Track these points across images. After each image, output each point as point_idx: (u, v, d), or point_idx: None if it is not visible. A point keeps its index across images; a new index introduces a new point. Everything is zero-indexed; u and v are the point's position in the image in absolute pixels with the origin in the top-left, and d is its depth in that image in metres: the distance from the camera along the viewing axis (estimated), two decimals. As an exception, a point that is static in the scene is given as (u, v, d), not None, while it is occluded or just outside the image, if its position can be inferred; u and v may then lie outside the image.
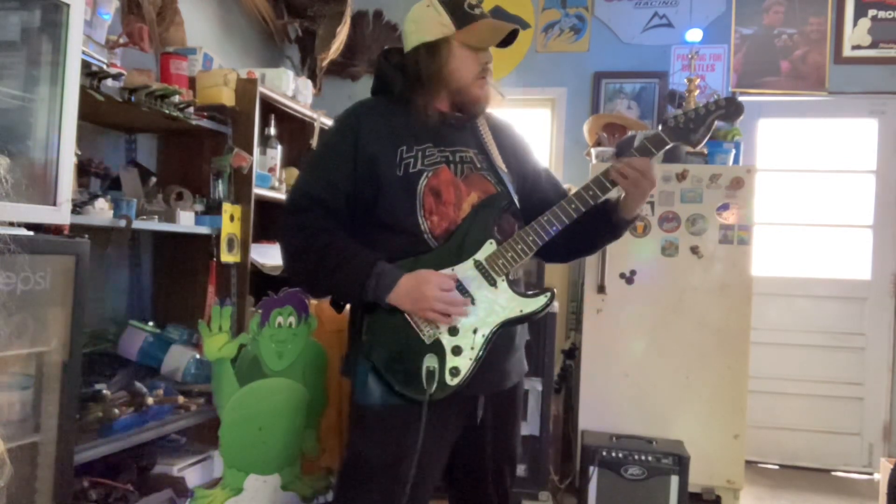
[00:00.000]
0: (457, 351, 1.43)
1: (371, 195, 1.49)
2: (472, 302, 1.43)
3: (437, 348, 1.43)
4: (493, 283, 1.45)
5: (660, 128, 1.51)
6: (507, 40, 1.54)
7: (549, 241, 1.48)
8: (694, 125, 1.49)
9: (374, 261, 1.42)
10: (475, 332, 1.44)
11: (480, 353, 1.43)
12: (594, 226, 1.59)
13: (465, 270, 1.44)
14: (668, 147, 1.51)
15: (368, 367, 1.46)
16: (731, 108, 1.50)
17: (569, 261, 1.78)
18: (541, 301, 1.47)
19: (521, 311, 1.46)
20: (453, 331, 1.43)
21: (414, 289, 1.40)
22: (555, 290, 1.49)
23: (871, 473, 3.68)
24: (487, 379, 1.49)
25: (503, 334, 1.48)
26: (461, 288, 1.43)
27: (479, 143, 1.57)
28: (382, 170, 1.48)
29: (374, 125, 1.53)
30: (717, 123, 1.56)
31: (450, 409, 1.47)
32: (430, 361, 1.42)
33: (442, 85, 1.52)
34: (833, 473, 3.73)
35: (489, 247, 1.46)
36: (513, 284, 1.47)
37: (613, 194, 1.55)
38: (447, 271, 1.44)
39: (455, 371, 1.42)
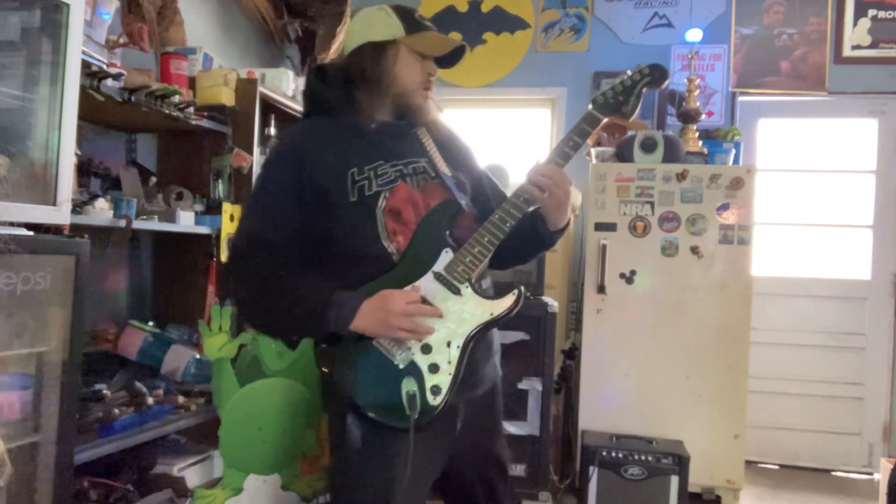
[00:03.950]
0: (434, 369, 1.36)
1: (324, 227, 1.42)
2: (440, 315, 1.37)
3: (414, 370, 1.35)
4: (457, 292, 1.38)
5: (590, 106, 1.46)
6: (453, 59, 1.52)
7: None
8: (623, 97, 1.45)
9: (331, 292, 1.34)
10: (449, 345, 1.37)
11: (458, 366, 1.37)
12: (521, 238, 1.52)
13: (427, 284, 1.38)
14: (603, 123, 1.48)
15: (346, 406, 1.39)
16: (655, 74, 1.46)
17: (503, 268, 1.67)
18: (509, 301, 1.40)
19: (492, 314, 1.40)
20: (426, 349, 1.36)
21: (378, 309, 1.32)
22: (522, 287, 1.42)
23: (871, 473, 3.68)
24: (464, 388, 1.42)
25: (480, 341, 1.43)
26: (426, 303, 1.36)
27: (425, 151, 1.52)
28: (333, 199, 1.40)
29: (317, 151, 1.45)
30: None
31: (432, 428, 1.39)
32: (408, 385, 1.34)
33: (385, 88, 1.46)
34: (833, 473, 3.73)
35: (446, 256, 1.39)
36: (478, 289, 1.41)
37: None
38: (408, 288, 1.37)
39: (436, 390, 1.35)
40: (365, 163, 1.43)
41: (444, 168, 1.51)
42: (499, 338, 1.62)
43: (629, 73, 1.47)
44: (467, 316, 1.39)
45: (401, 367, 1.35)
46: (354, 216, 1.40)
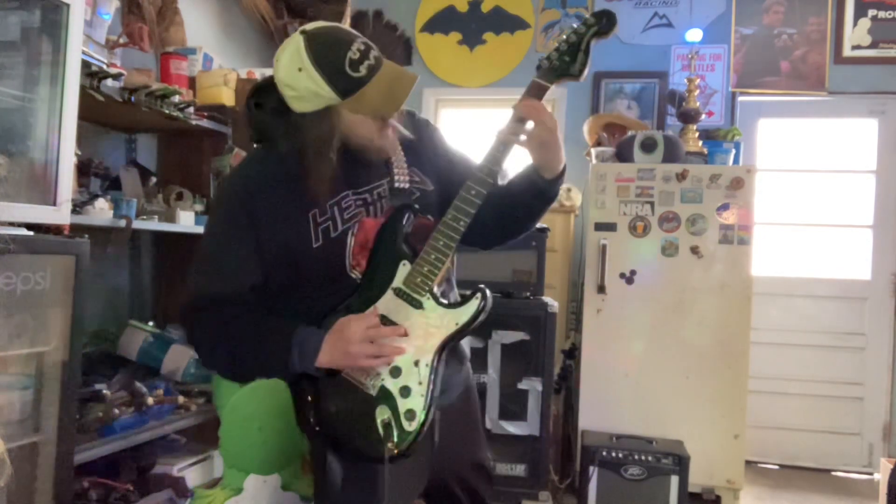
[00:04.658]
0: (405, 392, 1.27)
1: (288, 280, 1.34)
2: (405, 334, 1.27)
3: (386, 396, 1.27)
4: (418, 306, 1.29)
5: (536, 73, 1.33)
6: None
7: (469, 230, 1.31)
8: (570, 56, 1.30)
9: (291, 331, 1.27)
10: (417, 363, 1.28)
11: (431, 386, 1.28)
12: (522, 198, 1.41)
13: (387, 303, 1.29)
14: (549, 89, 1.33)
15: (324, 443, 1.35)
16: (602, 21, 1.30)
17: (505, 242, 1.55)
18: (474, 305, 1.29)
19: (457, 323, 1.29)
20: (395, 371, 1.28)
21: (338, 340, 1.24)
22: (485, 287, 1.31)
23: (871, 473, 3.68)
24: (436, 402, 1.35)
25: (450, 353, 1.35)
26: (386, 321, 1.28)
27: (388, 168, 1.39)
28: (295, 247, 1.31)
29: (271, 197, 1.31)
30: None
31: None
32: (382, 414, 1.27)
33: (335, 147, 1.29)
34: (833, 473, 3.73)
35: (403, 269, 1.30)
36: (440, 299, 1.31)
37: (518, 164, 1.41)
38: (369, 311, 1.29)
39: (410, 415, 1.26)
40: (328, 199, 1.31)
41: (403, 179, 1.39)
42: (467, 344, 1.55)
43: (574, 25, 1.32)
44: (433, 329, 1.29)
45: (374, 394, 1.28)
46: (320, 259, 1.32)
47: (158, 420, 2.08)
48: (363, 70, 1.25)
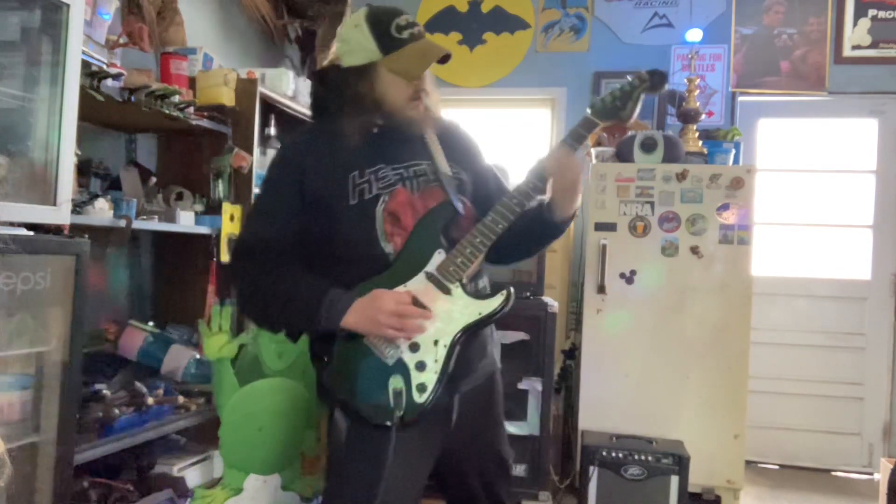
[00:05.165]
0: (421, 367, 1.39)
1: (324, 230, 1.46)
2: (429, 316, 1.39)
3: (401, 368, 1.39)
4: (447, 292, 1.40)
5: (588, 111, 1.49)
6: (443, 58, 1.49)
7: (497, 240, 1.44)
8: (621, 102, 1.46)
9: (326, 289, 1.39)
10: (436, 343, 1.39)
11: (445, 365, 1.39)
12: (527, 228, 1.54)
13: (417, 285, 1.40)
14: (597, 128, 1.51)
15: (334, 403, 1.45)
16: (655, 80, 1.48)
17: (511, 262, 1.69)
18: (498, 300, 1.42)
19: (480, 313, 1.42)
20: (414, 347, 1.39)
21: (368, 307, 1.36)
22: (512, 288, 1.43)
23: (871, 473, 3.68)
24: (457, 383, 1.46)
25: (472, 342, 1.46)
26: (416, 303, 1.38)
27: (429, 152, 1.53)
28: (333, 202, 1.44)
29: (319, 157, 1.48)
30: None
31: (425, 421, 1.42)
32: (395, 383, 1.38)
33: (372, 107, 1.47)
34: (833, 473, 3.73)
35: (438, 257, 1.42)
36: (468, 289, 1.43)
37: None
38: (400, 289, 1.40)
39: (422, 387, 1.38)
40: (366, 166, 1.46)
41: (445, 168, 1.52)
42: (497, 336, 1.63)
43: (629, 78, 1.48)
44: (456, 315, 1.41)
45: (390, 364, 1.39)
46: (353, 218, 1.43)
47: (158, 420, 2.08)
48: (405, 34, 1.45)
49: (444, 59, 1.48)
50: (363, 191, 1.44)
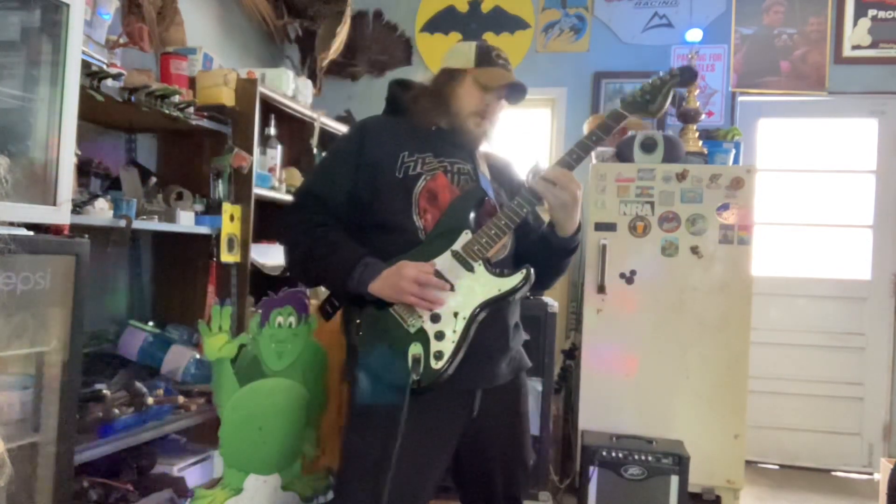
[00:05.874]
0: (440, 336, 1.49)
1: (368, 198, 1.60)
2: (452, 289, 1.50)
3: (422, 336, 1.49)
4: (470, 269, 1.51)
5: (618, 104, 1.60)
6: (517, 97, 1.69)
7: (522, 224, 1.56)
8: (651, 96, 1.57)
9: (363, 254, 1.53)
10: (456, 315, 1.50)
11: (463, 336, 1.48)
12: (544, 255, 1.64)
13: (443, 261, 1.52)
14: (626, 120, 1.61)
15: (360, 366, 1.54)
16: (685, 76, 1.58)
17: (548, 287, 1.81)
18: (517, 278, 1.52)
19: (499, 289, 1.51)
20: (435, 318, 1.49)
21: (393, 274, 1.48)
22: (531, 267, 1.53)
23: (871, 473, 3.68)
24: (482, 373, 1.57)
25: (492, 320, 1.54)
26: (438, 276, 1.50)
27: (473, 159, 1.68)
28: (383, 173, 1.59)
29: (379, 134, 1.66)
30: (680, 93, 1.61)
31: (443, 401, 1.53)
32: (415, 349, 1.48)
33: (445, 103, 1.65)
34: (833, 473, 3.73)
35: (465, 236, 1.53)
36: (490, 267, 1.53)
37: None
38: (427, 263, 1.51)
39: (439, 354, 1.47)
40: (417, 151, 1.62)
41: (485, 171, 1.67)
42: (522, 334, 1.71)
43: (661, 73, 1.58)
44: (477, 290, 1.51)
45: (412, 332, 1.49)
46: (395, 190, 1.58)
47: (158, 420, 2.08)
48: (499, 61, 1.70)
49: (518, 96, 1.69)
50: (409, 168, 1.59)
